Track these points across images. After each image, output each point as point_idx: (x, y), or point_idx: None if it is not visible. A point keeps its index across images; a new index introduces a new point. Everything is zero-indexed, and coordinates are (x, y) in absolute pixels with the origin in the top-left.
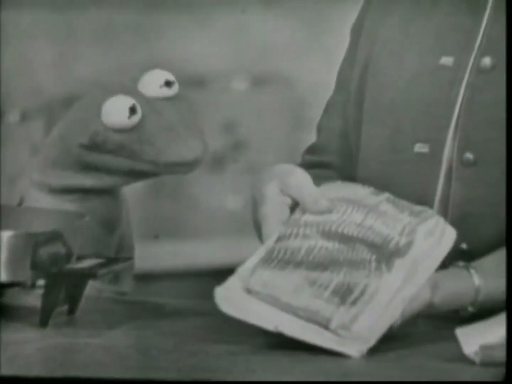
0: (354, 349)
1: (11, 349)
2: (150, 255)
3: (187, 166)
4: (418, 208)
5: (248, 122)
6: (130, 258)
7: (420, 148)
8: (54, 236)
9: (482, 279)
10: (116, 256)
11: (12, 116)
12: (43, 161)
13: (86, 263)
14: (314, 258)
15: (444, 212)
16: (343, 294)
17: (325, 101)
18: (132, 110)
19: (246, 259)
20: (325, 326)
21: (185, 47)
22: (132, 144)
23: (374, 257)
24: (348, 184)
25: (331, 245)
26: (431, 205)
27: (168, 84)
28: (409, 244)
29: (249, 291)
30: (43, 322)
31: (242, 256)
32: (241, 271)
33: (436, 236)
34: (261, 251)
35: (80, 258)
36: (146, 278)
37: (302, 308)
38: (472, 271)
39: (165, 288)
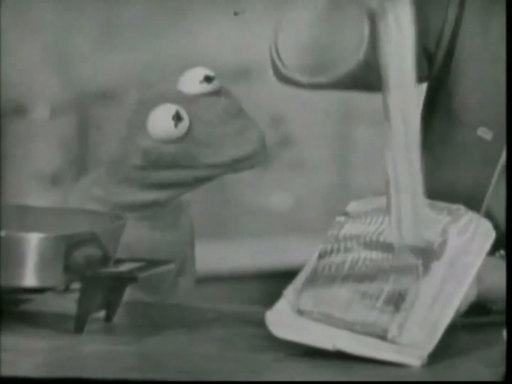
0: (415, 357)
1: (43, 356)
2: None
3: (248, 160)
4: (453, 207)
5: (294, 116)
6: (171, 261)
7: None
8: (89, 238)
9: None
10: (156, 259)
11: (41, 112)
12: (105, 178)
13: (125, 267)
14: (360, 270)
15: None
16: (396, 302)
17: (373, 95)
18: (178, 117)
19: (291, 261)
20: (382, 337)
21: (228, 39)
22: (187, 152)
23: (420, 261)
24: (382, 195)
25: (375, 255)
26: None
27: (207, 79)
28: (443, 245)
29: (300, 312)
30: (78, 329)
31: (287, 258)
32: (288, 293)
33: (469, 232)
34: (305, 271)
35: (118, 261)
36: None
37: (358, 322)
38: None
39: (208, 292)
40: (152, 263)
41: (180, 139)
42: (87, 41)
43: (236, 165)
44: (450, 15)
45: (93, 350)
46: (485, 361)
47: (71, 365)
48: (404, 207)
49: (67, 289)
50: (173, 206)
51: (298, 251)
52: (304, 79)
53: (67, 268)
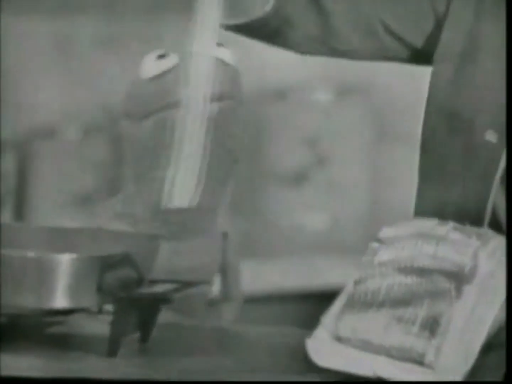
0: (450, 380)
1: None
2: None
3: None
4: (482, 231)
5: (329, 136)
6: (205, 282)
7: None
8: (123, 259)
9: None
10: (191, 280)
11: (73, 133)
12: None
13: (160, 288)
14: (395, 295)
15: None
16: (431, 327)
17: (406, 113)
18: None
19: (327, 282)
20: (419, 362)
21: (263, 58)
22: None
23: (453, 285)
24: (414, 221)
25: (410, 280)
26: None
27: (161, 56)
28: (473, 269)
29: (339, 339)
30: (112, 351)
31: (323, 278)
32: (326, 320)
33: (498, 256)
34: (342, 297)
35: (153, 282)
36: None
37: (395, 347)
38: None
39: (253, 313)
40: (187, 284)
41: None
42: (119, 62)
43: None
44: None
45: (127, 374)
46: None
47: None
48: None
49: (100, 311)
50: (201, 232)
51: (334, 271)
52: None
53: (100, 290)
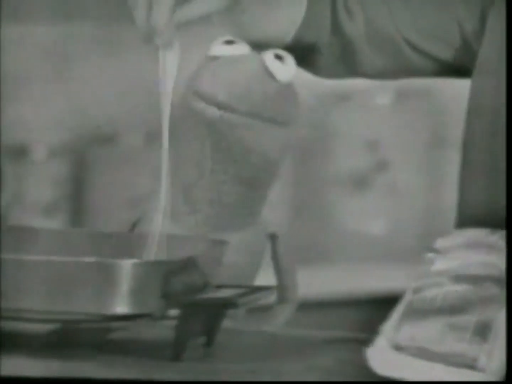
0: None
1: None
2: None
3: None
4: None
5: (389, 140)
6: (273, 287)
7: None
8: (188, 264)
9: None
10: (257, 286)
11: (133, 140)
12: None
13: (225, 293)
14: (450, 303)
15: None
16: (483, 332)
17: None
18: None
19: (388, 287)
20: (471, 366)
21: None
22: None
23: (503, 291)
24: (467, 231)
25: (463, 288)
26: None
27: (228, 42)
28: None
29: (398, 347)
30: (176, 356)
31: (384, 284)
32: (385, 329)
33: None
34: (400, 307)
35: (218, 287)
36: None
37: (450, 353)
38: None
39: (307, 318)
40: (253, 289)
41: None
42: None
43: None
44: None
45: (191, 378)
46: None
47: None
48: None
49: (163, 317)
50: (239, 229)
51: (394, 276)
52: None
53: (164, 295)
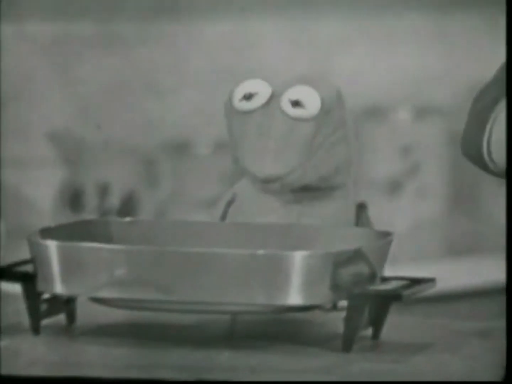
0: None
1: (309, 377)
2: (446, 274)
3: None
4: None
5: (423, 146)
6: (433, 280)
7: None
8: (356, 256)
9: None
10: (419, 278)
11: (203, 147)
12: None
13: (391, 285)
14: None
15: None
16: None
17: None
18: None
19: None
20: None
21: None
22: None
23: None
24: None
25: None
26: None
27: (247, 97)
28: None
29: None
30: (347, 347)
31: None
32: None
33: None
34: None
35: (384, 279)
36: (443, 298)
37: None
38: None
39: (462, 308)
40: (416, 281)
41: None
42: None
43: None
44: None
45: (361, 369)
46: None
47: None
48: None
49: (334, 307)
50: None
51: None
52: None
53: (334, 286)
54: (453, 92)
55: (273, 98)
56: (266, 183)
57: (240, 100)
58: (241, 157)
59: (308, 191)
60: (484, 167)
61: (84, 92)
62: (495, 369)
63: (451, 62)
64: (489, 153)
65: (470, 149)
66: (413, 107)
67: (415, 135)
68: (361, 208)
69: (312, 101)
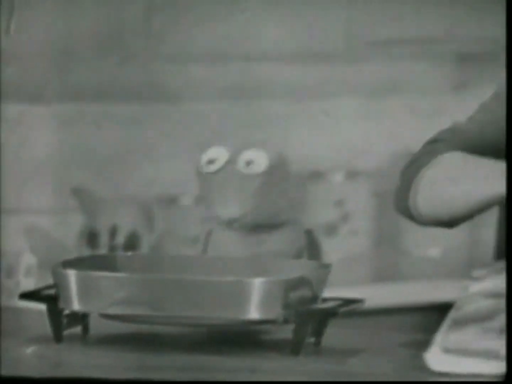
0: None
1: (264, 377)
2: (373, 295)
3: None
4: None
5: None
6: (363, 299)
7: None
8: (302, 282)
9: None
10: (350, 298)
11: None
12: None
13: (329, 304)
14: (484, 313)
15: None
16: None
17: None
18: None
19: (445, 299)
20: (496, 357)
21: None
22: None
23: None
24: (498, 261)
25: (493, 302)
26: None
27: (210, 161)
28: None
29: (447, 350)
30: (295, 351)
31: (437, 297)
32: (437, 339)
33: None
34: (446, 322)
35: (324, 299)
36: (371, 314)
37: (486, 350)
38: None
39: (387, 322)
40: (349, 301)
41: None
42: None
43: None
44: None
45: (307, 369)
46: None
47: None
48: None
49: (285, 321)
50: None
51: (446, 291)
52: (426, 224)
53: (285, 305)
54: (376, 160)
55: (230, 160)
56: (229, 224)
57: (206, 164)
58: (211, 206)
59: (263, 228)
60: (410, 217)
61: (98, 159)
62: (416, 370)
63: (376, 137)
64: (416, 207)
65: (400, 205)
66: (345, 170)
67: (347, 191)
68: (309, 233)
69: (261, 161)
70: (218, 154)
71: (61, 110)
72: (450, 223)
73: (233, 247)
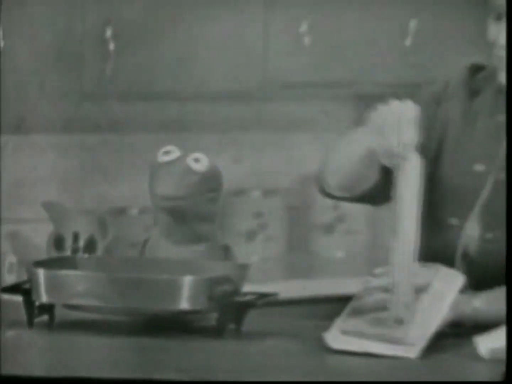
0: (412, 352)
1: (192, 354)
2: (286, 290)
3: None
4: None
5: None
6: (277, 293)
7: None
8: (225, 279)
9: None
10: (266, 293)
11: None
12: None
13: (248, 297)
14: (380, 305)
15: None
16: (399, 321)
17: None
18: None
19: (348, 293)
20: (395, 341)
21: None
22: None
23: (414, 298)
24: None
25: (388, 296)
26: None
27: (166, 152)
28: (427, 286)
29: (345, 332)
30: (219, 335)
31: (341, 291)
32: (337, 322)
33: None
34: (347, 309)
35: (244, 294)
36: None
37: (379, 334)
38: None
39: (297, 311)
40: (264, 295)
41: None
42: None
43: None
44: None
45: (228, 348)
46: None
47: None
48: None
49: (211, 311)
50: (200, 241)
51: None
52: (337, 194)
53: (210, 298)
54: (288, 180)
55: (182, 156)
56: (165, 200)
57: (161, 155)
58: (154, 186)
59: (190, 240)
60: (326, 193)
61: (63, 178)
62: (320, 349)
63: (288, 163)
64: (325, 179)
65: (319, 186)
66: (262, 189)
67: (264, 206)
68: (226, 248)
69: (204, 162)
70: (173, 149)
71: (35, 140)
72: (353, 188)
73: (165, 252)
